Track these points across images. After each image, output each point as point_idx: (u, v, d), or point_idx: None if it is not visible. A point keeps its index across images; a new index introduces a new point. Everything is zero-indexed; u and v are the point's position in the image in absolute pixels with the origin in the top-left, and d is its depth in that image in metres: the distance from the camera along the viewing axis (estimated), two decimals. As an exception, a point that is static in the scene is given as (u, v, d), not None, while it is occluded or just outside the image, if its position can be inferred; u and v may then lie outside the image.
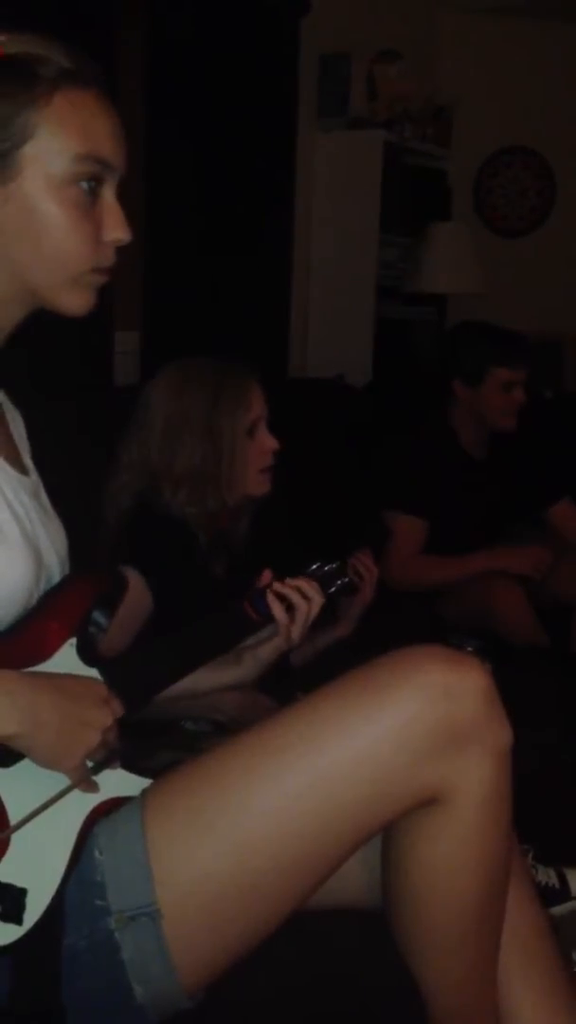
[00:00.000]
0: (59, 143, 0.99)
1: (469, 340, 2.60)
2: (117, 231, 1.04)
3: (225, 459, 1.74)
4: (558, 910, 1.48)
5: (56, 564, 1.13)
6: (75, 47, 1.02)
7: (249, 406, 1.76)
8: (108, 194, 1.04)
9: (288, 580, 1.35)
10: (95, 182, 1.02)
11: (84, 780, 1.01)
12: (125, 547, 1.72)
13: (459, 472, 2.58)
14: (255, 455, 1.77)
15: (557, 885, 1.50)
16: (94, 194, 1.02)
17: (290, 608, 1.33)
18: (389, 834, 1.11)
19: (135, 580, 1.67)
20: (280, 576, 1.36)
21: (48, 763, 0.98)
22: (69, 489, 1.22)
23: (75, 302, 1.05)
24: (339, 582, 1.42)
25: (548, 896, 1.47)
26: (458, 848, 1.07)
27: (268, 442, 1.78)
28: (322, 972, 1.18)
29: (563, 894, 1.50)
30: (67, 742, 0.97)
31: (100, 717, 1.00)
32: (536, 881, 1.47)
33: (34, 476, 1.17)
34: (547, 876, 1.50)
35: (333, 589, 1.41)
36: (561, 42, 4.02)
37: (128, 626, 1.61)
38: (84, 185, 1.01)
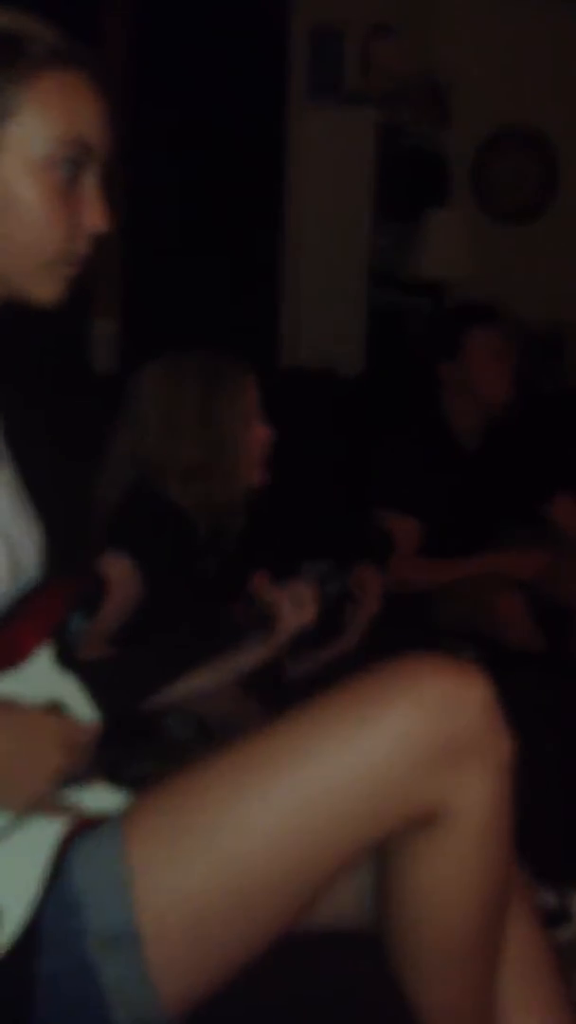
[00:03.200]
0: (42, 124, 0.96)
1: (444, 316, 2.64)
2: (94, 220, 1.01)
3: (228, 450, 1.76)
4: (559, 932, 1.45)
5: (31, 560, 1.10)
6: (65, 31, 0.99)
7: (245, 396, 1.79)
8: (89, 181, 1.01)
9: (278, 588, 1.33)
10: (76, 167, 0.99)
11: (49, 809, 0.97)
12: (119, 534, 1.73)
13: (452, 468, 2.55)
14: (252, 445, 1.79)
15: (558, 907, 1.48)
16: (75, 180, 0.99)
17: (279, 617, 1.31)
18: (383, 854, 1.08)
19: (125, 567, 1.67)
20: (271, 580, 1.34)
21: None
22: (46, 483, 1.19)
23: (45, 291, 1.02)
24: (328, 587, 1.39)
25: (549, 918, 1.44)
26: (456, 869, 1.04)
27: (262, 432, 1.80)
28: (312, 996, 1.15)
29: (564, 916, 1.48)
30: (9, 785, 0.93)
31: (53, 759, 0.96)
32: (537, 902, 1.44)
33: (7, 469, 1.13)
34: (548, 897, 1.47)
35: (324, 595, 1.38)
36: (565, 17, 3.90)
37: (116, 614, 1.61)
38: (65, 170, 0.98)
